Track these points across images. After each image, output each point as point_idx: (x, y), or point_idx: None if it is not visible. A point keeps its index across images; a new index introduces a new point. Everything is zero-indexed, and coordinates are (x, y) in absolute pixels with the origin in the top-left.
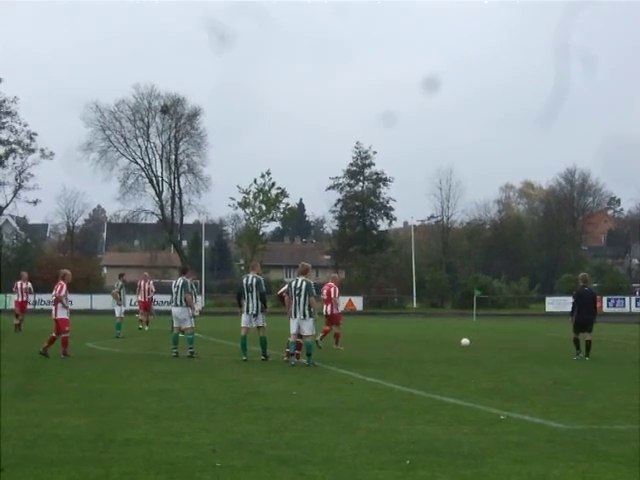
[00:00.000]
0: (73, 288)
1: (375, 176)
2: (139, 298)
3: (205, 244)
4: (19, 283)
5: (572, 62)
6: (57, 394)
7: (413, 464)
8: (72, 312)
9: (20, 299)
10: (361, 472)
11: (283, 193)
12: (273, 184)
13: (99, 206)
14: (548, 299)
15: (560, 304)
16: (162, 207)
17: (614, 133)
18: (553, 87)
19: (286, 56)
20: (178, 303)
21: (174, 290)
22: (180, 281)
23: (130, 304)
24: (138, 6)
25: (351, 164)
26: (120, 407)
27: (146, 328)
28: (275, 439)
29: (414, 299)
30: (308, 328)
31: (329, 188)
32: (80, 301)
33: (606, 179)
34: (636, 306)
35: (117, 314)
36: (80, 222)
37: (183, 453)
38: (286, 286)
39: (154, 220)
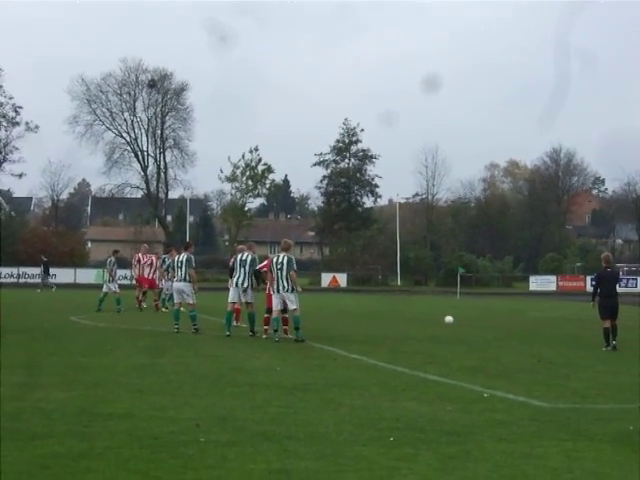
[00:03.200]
0: (57, 262)
1: (361, 153)
2: (141, 273)
3: (190, 219)
4: None
5: (565, 51)
6: (41, 368)
7: (397, 441)
8: (56, 285)
9: None
10: (345, 448)
11: (269, 169)
12: (260, 160)
13: (84, 180)
14: (532, 278)
15: (544, 283)
16: (147, 182)
17: (601, 115)
18: (549, 68)
19: (279, 33)
20: (182, 278)
21: (177, 265)
22: (184, 256)
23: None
24: None
25: (338, 140)
26: (104, 381)
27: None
28: (259, 415)
29: (398, 276)
30: (292, 301)
31: (315, 164)
32: (64, 275)
33: (591, 159)
34: (619, 286)
35: (113, 289)
36: (65, 196)
37: (167, 428)
38: (266, 261)
39: (139, 194)
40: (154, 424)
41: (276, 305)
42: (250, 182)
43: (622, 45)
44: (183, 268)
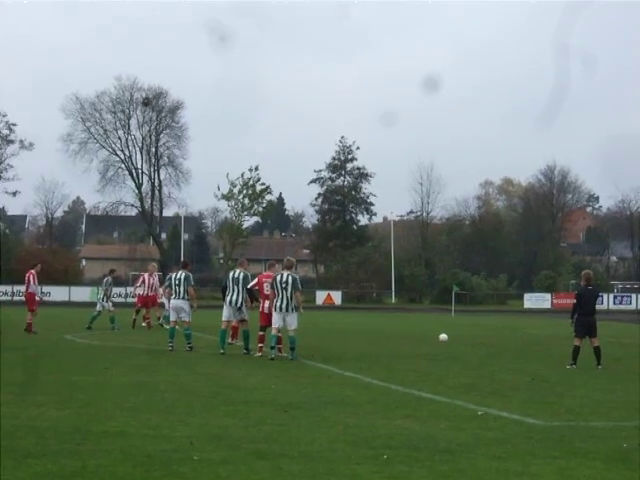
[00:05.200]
0: (52, 280)
1: (357, 171)
2: (141, 292)
3: (184, 237)
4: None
5: (559, 61)
6: (35, 386)
7: (390, 459)
8: (50, 304)
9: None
10: (338, 467)
11: (267, 189)
12: (259, 179)
13: (78, 198)
14: (526, 295)
15: (538, 301)
16: (142, 199)
17: (596, 132)
18: (543, 87)
19: (275, 48)
20: (180, 296)
21: (175, 283)
22: (182, 274)
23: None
24: None
25: (334, 158)
26: (98, 400)
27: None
28: (253, 433)
29: (393, 294)
30: (293, 322)
31: (311, 181)
32: (58, 293)
33: (586, 176)
34: (614, 303)
35: (107, 308)
36: (59, 214)
37: (161, 446)
38: (256, 279)
39: (133, 212)
40: (148, 442)
41: (275, 323)
42: (247, 201)
43: (616, 58)
44: (182, 286)
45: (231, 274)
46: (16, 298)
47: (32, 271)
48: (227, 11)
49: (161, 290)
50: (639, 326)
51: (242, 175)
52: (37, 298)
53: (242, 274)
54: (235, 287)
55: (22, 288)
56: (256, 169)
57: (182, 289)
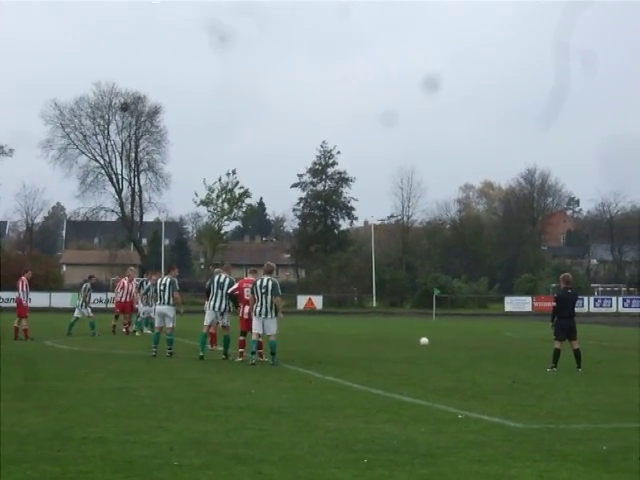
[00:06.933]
0: (32, 286)
1: (338, 175)
2: (120, 298)
3: (165, 242)
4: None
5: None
6: (15, 392)
7: (371, 463)
8: (30, 310)
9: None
10: (319, 471)
11: (246, 193)
12: (237, 183)
13: (58, 204)
14: (507, 299)
15: (519, 304)
16: (122, 205)
17: (577, 135)
18: (525, 91)
19: (263, 53)
20: (165, 302)
21: (160, 288)
22: (167, 279)
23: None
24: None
25: (314, 163)
26: (78, 405)
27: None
28: (233, 438)
29: (374, 298)
30: (273, 327)
31: (293, 185)
32: (39, 299)
33: (567, 179)
34: (594, 306)
35: (86, 314)
36: (39, 219)
37: (141, 451)
38: (237, 284)
39: (114, 218)
40: (128, 448)
41: (256, 328)
42: (226, 205)
43: (616, 58)
44: (167, 291)
45: (216, 278)
46: None
47: (23, 277)
48: (211, 14)
49: (137, 296)
50: (619, 329)
51: (219, 180)
52: (24, 304)
53: (227, 280)
54: (219, 292)
55: (2, 294)
56: (233, 173)
57: (167, 295)
